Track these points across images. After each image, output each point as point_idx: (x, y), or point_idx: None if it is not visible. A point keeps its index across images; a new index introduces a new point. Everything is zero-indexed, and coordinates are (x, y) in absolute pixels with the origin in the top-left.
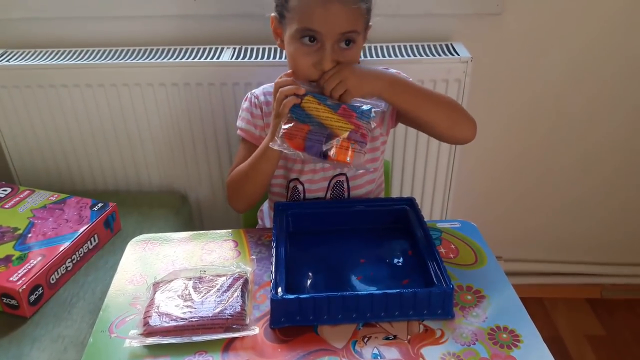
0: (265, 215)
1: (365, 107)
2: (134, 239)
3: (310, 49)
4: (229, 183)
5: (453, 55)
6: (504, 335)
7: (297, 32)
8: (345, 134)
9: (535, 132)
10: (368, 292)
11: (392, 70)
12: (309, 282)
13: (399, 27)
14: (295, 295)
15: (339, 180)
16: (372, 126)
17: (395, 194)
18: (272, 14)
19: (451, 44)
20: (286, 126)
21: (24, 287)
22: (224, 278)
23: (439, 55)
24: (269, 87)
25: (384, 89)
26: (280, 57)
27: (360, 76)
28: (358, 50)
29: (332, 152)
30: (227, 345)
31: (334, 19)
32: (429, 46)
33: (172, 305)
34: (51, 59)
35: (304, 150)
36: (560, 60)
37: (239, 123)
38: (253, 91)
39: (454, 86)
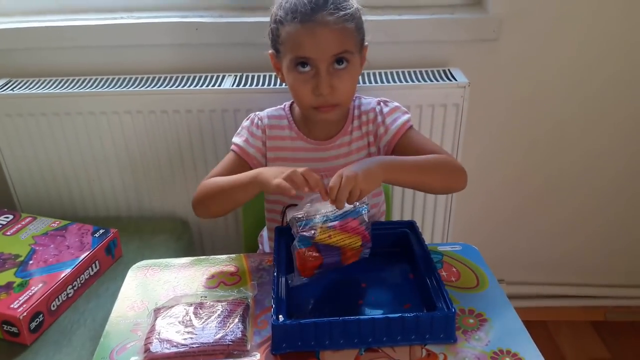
0: (265, 241)
1: (360, 207)
2: (135, 265)
3: (307, 75)
4: (202, 188)
5: (451, 80)
6: (507, 359)
7: (291, 62)
8: (358, 247)
9: (533, 155)
10: (370, 317)
11: (393, 104)
12: (310, 306)
13: (397, 54)
14: (296, 321)
15: None
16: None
17: (395, 217)
18: (270, 51)
19: (449, 70)
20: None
21: (25, 314)
22: (224, 303)
23: (437, 80)
24: (273, 110)
25: (385, 177)
26: (281, 84)
27: (365, 177)
28: (354, 70)
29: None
30: None
31: (322, 43)
32: (427, 72)
33: (173, 332)
34: (54, 87)
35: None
36: (556, 85)
37: (236, 139)
38: (257, 113)
39: (452, 111)
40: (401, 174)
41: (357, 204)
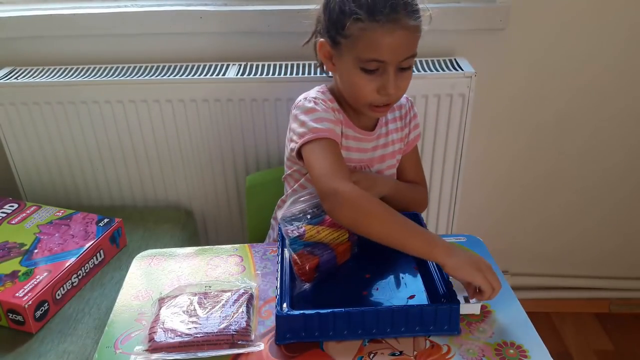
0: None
1: None
2: (139, 255)
3: (373, 75)
4: (368, 204)
5: (457, 70)
6: (511, 351)
7: (359, 61)
8: (345, 240)
9: (540, 146)
10: (374, 308)
11: (415, 108)
12: (314, 297)
13: None
14: (300, 311)
15: None
16: None
17: None
18: (321, 40)
19: (455, 59)
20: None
21: (30, 302)
22: (229, 293)
23: (443, 70)
24: (320, 94)
25: (386, 192)
26: (285, 74)
27: (369, 180)
28: (411, 72)
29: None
30: None
31: (399, 46)
32: (432, 61)
33: (177, 321)
34: (58, 76)
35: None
36: (564, 74)
37: (316, 125)
38: (312, 96)
39: (458, 101)
40: (393, 194)
41: None
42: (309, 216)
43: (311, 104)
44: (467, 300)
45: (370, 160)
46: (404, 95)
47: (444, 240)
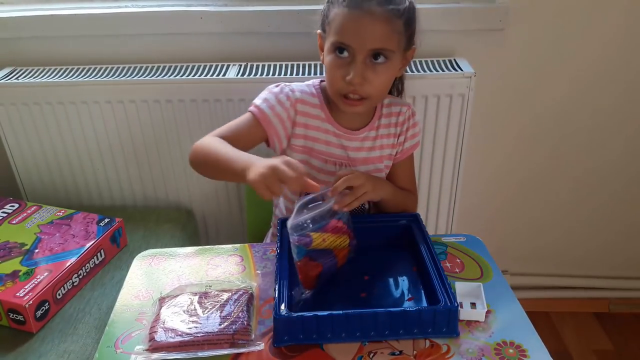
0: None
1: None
2: (140, 254)
3: (343, 61)
4: (201, 149)
5: (457, 70)
6: (511, 350)
7: (332, 45)
8: (346, 245)
9: (540, 146)
10: (372, 311)
11: (417, 116)
12: (312, 298)
13: None
14: (298, 314)
15: None
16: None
17: None
18: (318, 31)
19: (455, 60)
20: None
21: (31, 302)
22: (229, 293)
23: (443, 70)
24: (304, 86)
25: (385, 197)
26: (285, 74)
27: (375, 184)
28: (392, 68)
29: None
30: None
31: (365, 34)
32: (432, 62)
33: (177, 321)
34: (58, 76)
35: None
36: (563, 75)
37: (258, 101)
38: (289, 84)
39: (457, 101)
40: (390, 198)
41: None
42: (312, 224)
43: (277, 89)
44: (473, 307)
45: (353, 160)
46: (408, 104)
47: (249, 159)
